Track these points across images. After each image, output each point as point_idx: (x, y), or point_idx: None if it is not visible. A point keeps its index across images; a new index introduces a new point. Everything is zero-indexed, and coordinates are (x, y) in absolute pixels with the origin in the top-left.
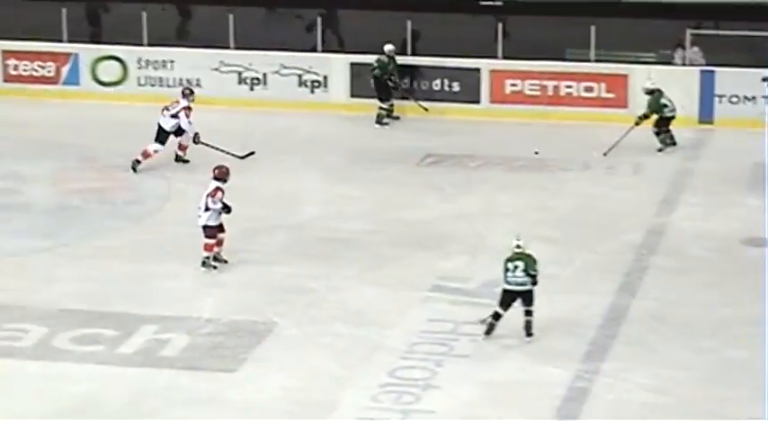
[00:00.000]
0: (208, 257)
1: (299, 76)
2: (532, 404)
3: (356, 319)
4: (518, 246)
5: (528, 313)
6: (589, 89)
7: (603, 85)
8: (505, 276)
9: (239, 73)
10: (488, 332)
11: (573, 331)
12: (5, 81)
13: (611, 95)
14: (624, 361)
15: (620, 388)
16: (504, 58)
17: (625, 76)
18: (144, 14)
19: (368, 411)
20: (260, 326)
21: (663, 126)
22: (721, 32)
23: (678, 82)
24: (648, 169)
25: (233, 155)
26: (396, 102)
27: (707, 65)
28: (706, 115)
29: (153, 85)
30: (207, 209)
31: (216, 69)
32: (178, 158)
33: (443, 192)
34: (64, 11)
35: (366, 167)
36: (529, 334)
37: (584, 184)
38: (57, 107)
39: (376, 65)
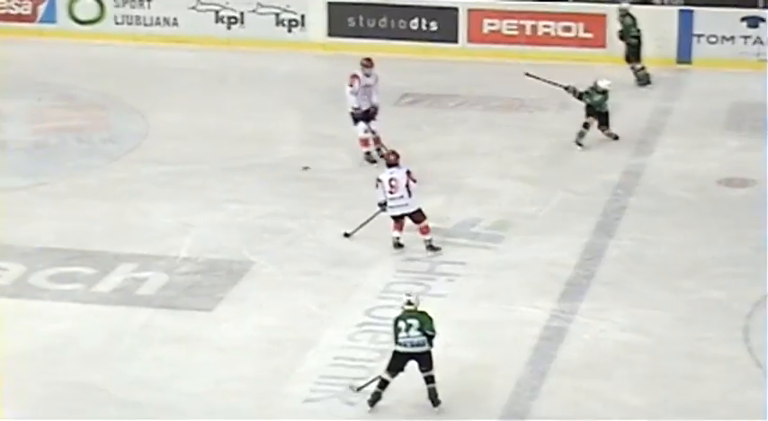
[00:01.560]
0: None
1: (277, 14)
2: (509, 344)
3: (334, 259)
4: (409, 303)
5: (429, 380)
6: (567, 29)
7: (582, 25)
8: (396, 337)
9: (216, 11)
10: (373, 403)
11: (550, 271)
12: None
13: (589, 35)
14: (601, 300)
15: (597, 327)
16: None
17: (603, 16)
18: None
19: (345, 350)
20: (236, 265)
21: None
22: None
23: (656, 21)
24: (626, 110)
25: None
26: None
27: (685, 4)
28: (684, 55)
29: (130, 24)
30: (410, 194)
31: (193, 8)
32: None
33: (421, 131)
34: None
35: (342, 107)
36: (435, 403)
37: (562, 124)
38: (33, 45)
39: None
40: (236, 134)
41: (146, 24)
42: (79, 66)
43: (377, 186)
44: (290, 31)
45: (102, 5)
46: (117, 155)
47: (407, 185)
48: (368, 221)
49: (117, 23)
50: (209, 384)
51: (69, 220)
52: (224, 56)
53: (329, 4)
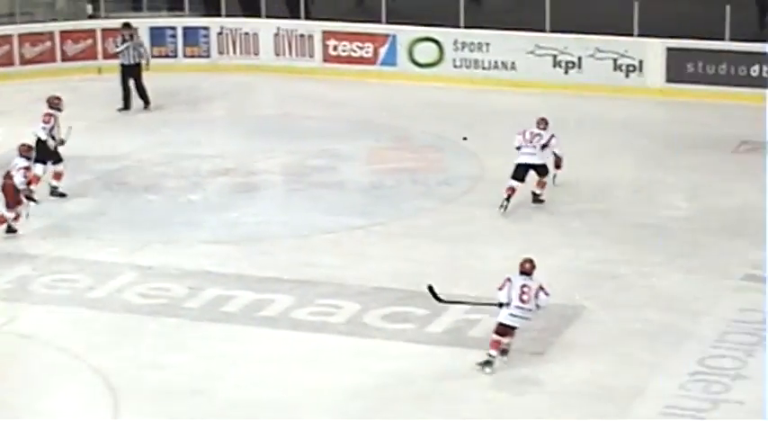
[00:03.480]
0: None
1: (614, 60)
2: None
3: (666, 306)
4: None
5: None
6: None
7: None
8: None
9: (554, 56)
10: None
11: None
12: (325, 61)
13: None
14: None
15: None
16: None
17: None
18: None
19: (676, 399)
20: (568, 309)
21: None
22: None
23: None
24: None
25: None
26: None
27: None
28: None
29: (468, 67)
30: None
31: (531, 52)
32: None
33: (759, 179)
34: None
35: (680, 154)
36: None
37: None
38: (374, 87)
39: None
40: (570, 179)
41: (484, 68)
42: (417, 108)
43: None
44: (627, 76)
45: (441, 49)
46: (452, 197)
47: (537, 296)
48: (471, 304)
49: (455, 67)
50: None
51: (403, 261)
52: (561, 100)
53: (668, 49)
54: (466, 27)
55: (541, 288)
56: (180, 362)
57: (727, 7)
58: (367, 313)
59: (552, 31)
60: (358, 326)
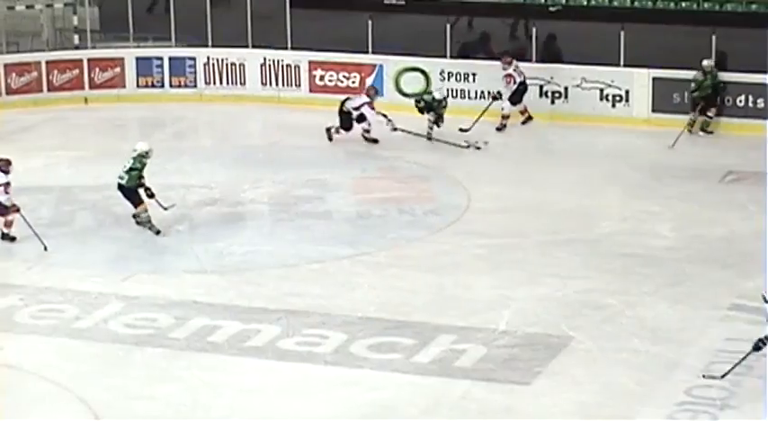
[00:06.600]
0: None
1: (601, 90)
2: None
3: (653, 336)
4: None
5: None
6: None
7: None
8: None
9: (541, 86)
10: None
11: None
12: (311, 91)
13: None
14: None
15: None
16: None
17: None
18: (448, 26)
19: None
20: (555, 339)
21: None
22: None
23: None
24: None
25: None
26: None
27: None
28: None
29: (455, 97)
30: None
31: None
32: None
33: (745, 209)
34: (370, 22)
35: (666, 183)
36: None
37: None
38: None
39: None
40: (557, 208)
41: (470, 98)
42: (403, 138)
43: None
44: (613, 106)
45: (427, 79)
46: (439, 227)
47: None
48: None
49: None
50: None
51: (390, 290)
52: (546, 130)
53: (654, 79)
54: (452, 57)
55: None
56: (167, 393)
57: (713, 37)
58: (353, 343)
59: (537, 61)
60: (344, 356)
